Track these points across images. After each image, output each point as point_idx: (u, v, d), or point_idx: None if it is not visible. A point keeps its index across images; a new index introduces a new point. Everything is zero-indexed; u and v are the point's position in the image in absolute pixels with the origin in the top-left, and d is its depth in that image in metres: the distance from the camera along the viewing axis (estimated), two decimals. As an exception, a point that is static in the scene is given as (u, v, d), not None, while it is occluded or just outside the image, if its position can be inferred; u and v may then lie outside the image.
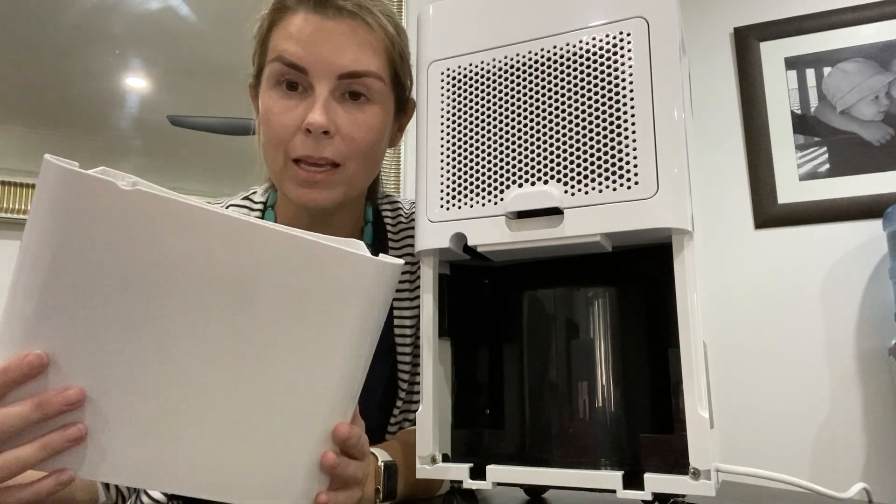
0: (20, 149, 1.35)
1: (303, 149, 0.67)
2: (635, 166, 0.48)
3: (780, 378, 1.84)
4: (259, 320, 0.44)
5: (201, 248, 0.43)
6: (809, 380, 1.81)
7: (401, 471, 0.63)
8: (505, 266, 0.59)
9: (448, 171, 0.55)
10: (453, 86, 0.56)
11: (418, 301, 0.76)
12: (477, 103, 0.55)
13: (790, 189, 1.90)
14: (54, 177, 0.41)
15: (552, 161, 0.51)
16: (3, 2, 1.36)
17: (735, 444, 1.82)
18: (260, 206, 0.81)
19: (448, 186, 0.54)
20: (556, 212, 0.50)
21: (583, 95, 0.51)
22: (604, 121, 0.50)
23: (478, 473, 0.52)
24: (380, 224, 0.84)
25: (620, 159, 0.49)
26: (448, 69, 0.56)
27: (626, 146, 0.49)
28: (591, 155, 0.50)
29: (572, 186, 0.50)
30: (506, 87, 0.54)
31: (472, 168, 0.54)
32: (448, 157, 0.55)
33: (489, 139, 0.53)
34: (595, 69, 0.51)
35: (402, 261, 0.47)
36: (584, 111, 0.50)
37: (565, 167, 0.50)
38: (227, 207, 0.81)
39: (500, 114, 0.53)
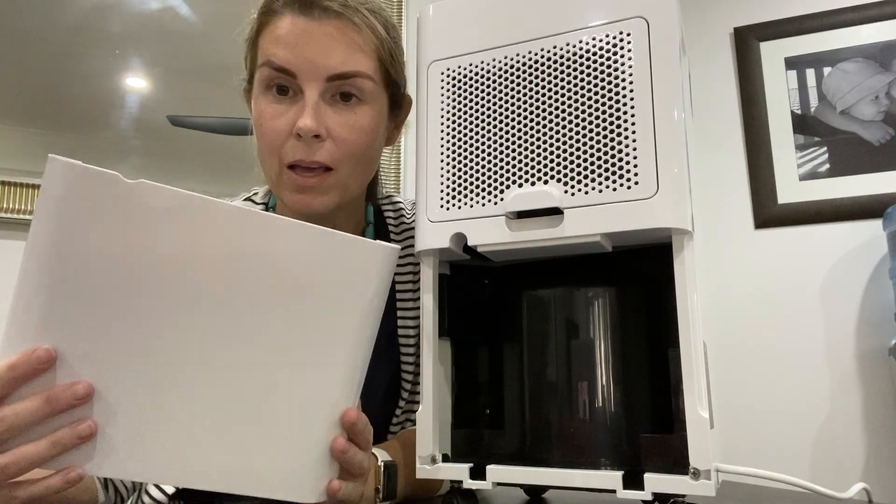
0: (20, 149, 1.35)
1: (295, 153, 0.67)
2: (635, 166, 0.48)
3: (780, 378, 1.84)
4: (265, 309, 0.45)
5: (206, 240, 0.43)
6: (809, 380, 1.81)
7: (401, 471, 0.63)
8: (505, 266, 0.59)
9: (448, 171, 0.55)
10: (453, 86, 0.56)
11: (420, 301, 0.76)
12: (477, 103, 0.55)
13: (790, 189, 1.90)
14: (59, 173, 0.41)
15: (552, 161, 0.51)
16: (3, 2, 1.36)
17: (735, 444, 1.82)
18: (261, 207, 0.81)
19: (448, 186, 0.54)
20: (556, 212, 0.50)
21: (583, 95, 0.51)
22: (604, 121, 0.50)
23: (478, 473, 0.52)
24: (381, 224, 0.84)
25: (620, 159, 0.49)
26: (448, 69, 0.56)
27: (626, 146, 0.49)
28: (591, 155, 0.50)
29: (572, 186, 0.50)
30: (506, 87, 0.54)
31: (472, 168, 0.54)
32: (448, 157, 0.55)
33: (489, 139, 0.53)
34: (595, 69, 0.51)
35: (398, 246, 0.49)
36: (584, 111, 0.50)
37: (565, 167, 0.50)
38: (227, 207, 0.81)
39: (500, 114, 0.53)
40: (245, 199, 0.83)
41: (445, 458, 0.55)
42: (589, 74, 0.51)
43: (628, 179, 0.48)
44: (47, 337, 0.42)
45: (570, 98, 0.51)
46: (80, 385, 0.42)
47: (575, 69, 0.51)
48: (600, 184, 0.49)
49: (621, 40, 0.50)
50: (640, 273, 0.54)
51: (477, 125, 0.54)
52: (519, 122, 0.52)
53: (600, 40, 0.51)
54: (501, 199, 0.52)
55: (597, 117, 0.50)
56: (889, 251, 1.64)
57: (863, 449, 1.74)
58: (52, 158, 0.41)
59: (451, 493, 0.54)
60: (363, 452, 0.50)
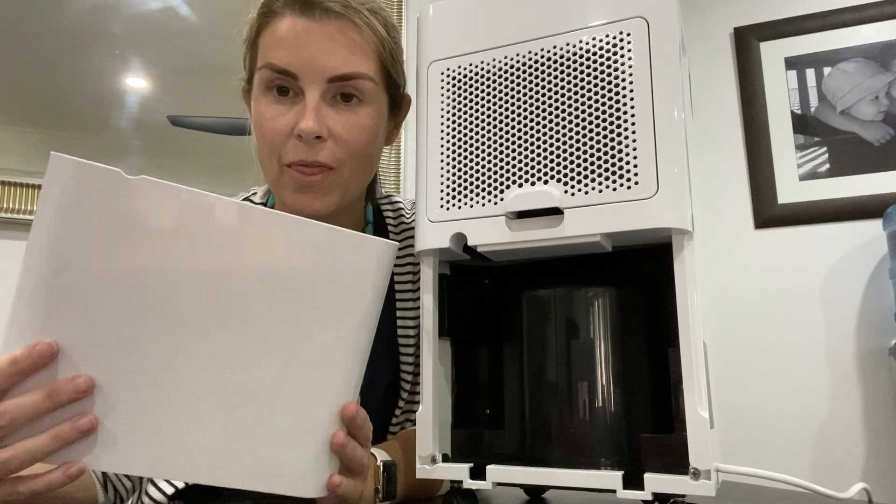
0: (20, 149, 1.35)
1: (296, 154, 0.67)
2: (635, 166, 0.48)
3: (780, 378, 1.84)
4: (265, 303, 0.45)
5: (207, 235, 0.44)
6: (809, 380, 1.81)
7: (400, 471, 0.63)
8: (505, 266, 0.59)
9: (448, 171, 0.55)
10: (453, 86, 0.56)
11: (420, 301, 0.76)
12: (477, 103, 0.55)
13: (790, 189, 1.90)
14: (61, 169, 0.41)
15: (552, 161, 0.51)
16: (3, 2, 1.36)
17: (735, 444, 1.82)
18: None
19: (448, 186, 0.54)
20: (556, 212, 0.50)
21: (583, 95, 0.51)
22: (604, 121, 0.50)
23: (478, 473, 0.52)
24: (381, 224, 0.84)
25: (620, 159, 0.49)
26: (448, 69, 0.56)
27: (626, 146, 0.49)
28: (591, 155, 0.50)
29: (572, 186, 0.50)
30: (506, 87, 0.54)
31: (472, 168, 0.54)
32: (448, 157, 0.55)
33: (489, 139, 0.53)
34: (595, 69, 0.51)
35: (396, 243, 0.49)
36: (584, 111, 0.50)
37: (565, 167, 0.50)
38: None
39: (500, 114, 0.53)
40: (244, 199, 0.83)
41: (445, 458, 0.55)
42: (589, 74, 0.51)
43: (628, 179, 0.48)
44: (49, 331, 0.42)
45: (570, 98, 0.51)
46: (81, 379, 0.42)
47: (575, 69, 0.51)
48: (600, 184, 0.49)
49: (621, 40, 0.50)
50: (640, 273, 0.54)
51: (477, 125, 0.54)
52: (519, 122, 0.52)
53: (600, 40, 0.51)
54: (501, 199, 0.52)
55: (597, 117, 0.50)
56: (889, 251, 1.64)
57: (863, 449, 1.74)
58: (54, 155, 0.41)
59: (451, 493, 0.54)
60: (363, 449, 0.50)
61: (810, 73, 1.94)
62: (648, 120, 0.48)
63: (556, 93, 0.52)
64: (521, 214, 0.51)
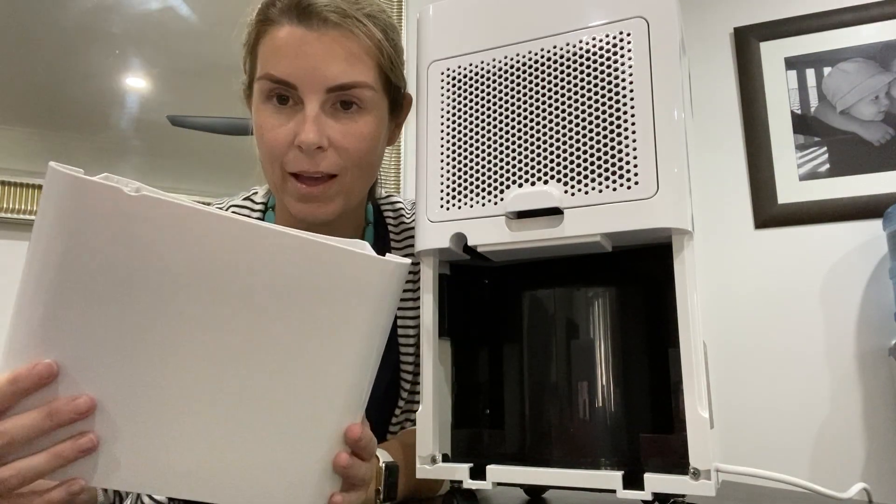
0: (20, 149, 1.35)
1: (298, 164, 0.67)
2: (635, 166, 0.48)
3: (780, 378, 1.84)
4: (268, 323, 0.44)
5: (209, 253, 0.43)
6: (809, 380, 1.81)
7: (401, 471, 0.63)
8: (505, 266, 0.59)
9: (448, 171, 0.55)
10: (453, 86, 0.56)
11: (420, 301, 0.76)
12: (477, 103, 0.55)
13: (790, 189, 1.90)
14: (59, 184, 0.40)
15: (552, 161, 0.51)
16: (3, 2, 1.36)
17: (735, 444, 1.82)
18: (261, 207, 0.81)
19: (448, 186, 0.54)
20: (556, 212, 0.50)
21: (583, 95, 0.51)
22: (604, 121, 0.50)
23: (478, 473, 0.52)
24: (381, 224, 0.84)
25: (620, 159, 0.49)
26: (448, 69, 0.56)
27: (626, 146, 0.49)
28: (591, 155, 0.50)
29: (572, 186, 0.50)
30: (506, 87, 0.54)
31: (472, 168, 0.54)
32: (448, 157, 0.55)
33: (489, 139, 0.53)
34: (595, 69, 0.51)
35: (408, 260, 0.47)
36: (584, 111, 0.50)
37: (565, 167, 0.50)
38: (227, 208, 0.81)
39: (500, 114, 0.53)
40: (245, 199, 0.83)
41: (445, 458, 0.55)
42: (589, 74, 0.51)
43: (628, 179, 0.48)
44: (49, 350, 0.42)
45: (570, 98, 0.51)
46: (82, 399, 0.42)
47: (575, 69, 0.51)
48: (600, 184, 0.49)
49: (621, 40, 0.50)
50: (640, 273, 0.54)
51: (477, 125, 0.54)
52: (519, 122, 0.52)
53: (600, 40, 0.51)
54: (501, 199, 0.52)
55: (597, 117, 0.50)
56: (889, 251, 1.64)
57: (863, 449, 1.74)
58: (52, 169, 0.40)
59: (451, 493, 0.54)
60: (366, 464, 0.49)
61: (810, 73, 1.94)
62: (648, 120, 0.48)
63: (556, 93, 0.52)
64: (521, 214, 0.51)
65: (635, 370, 0.52)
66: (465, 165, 0.54)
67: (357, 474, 0.48)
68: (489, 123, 0.54)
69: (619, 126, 0.49)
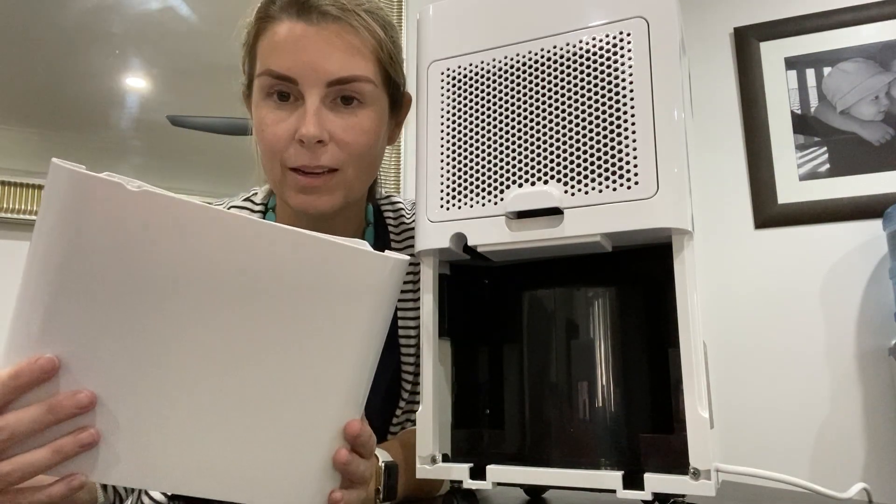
0: (20, 149, 1.35)
1: (298, 159, 0.67)
2: (635, 166, 0.48)
3: (780, 378, 1.84)
4: (269, 320, 0.44)
5: (210, 249, 0.43)
6: (809, 380, 1.81)
7: (401, 471, 0.63)
8: (505, 266, 0.59)
9: (448, 171, 0.55)
10: (453, 86, 0.56)
11: (421, 301, 0.76)
12: (477, 103, 0.55)
13: (790, 189, 1.90)
14: (62, 180, 0.41)
15: (552, 161, 0.51)
16: (3, 2, 1.36)
17: (735, 444, 1.82)
18: (261, 208, 0.81)
19: (448, 186, 0.54)
20: (556, 212, 0.50)
21: (583, 95, 0.51)
22: (604, 121, 0.50)
23: (478, 473, 0.52)
24: (381, 224, 0.84)
25: (620, 159, 0.49)
26: (448, 69, 0.56)
27: (626, 146, 0.49)
28: (591, 155, 0.50)
29: (572, 186, 0.50)
30: (506, 87, 0.54)
31: (472, 168, 0.54)
32: (448, 157, 0.55)
33: (489, 139, 0.53)
34: (595, 69, 0.51)
35: (407, 257, 0.47)
36: (584, 111, 0.50)
37: (565, 167, 0.50)
38: (227, 209, 0.81)
39: (500, 114, 0.53)
40: (244, 200, 0.83)
41: (445, 458, 0.55)
42: (589, 74, 0.51)
43: (628, 179, 0.48)
44: (50, 345, 0.42)
45: (570, 98, 0.51)
46: (83, 394, 0.42)
47: (575, 69, 0.51)
48: (600, 184, 0.49)
49: (621, 40, 0.50)
50: (640, 273, 0.54)
51: (477, 125, 0.54)
52: (519, 122, 0.52)
53: (600, 40, 0.51)
54: (501, 199, 0.52)
55: (597, 117, 0.50)
56: (889, 251, 1.64)
57: (863, 449, 1.74)
58: (55, 164, 0.41)
59: (451, 493, 0.54)
60: (366, 462, 0.49)
61: (810, 73, 1.94)
62: (648, 120, 0.48)
63: (556, 93, 0.52)
64: (521, 214, 0.51)
65: (635, 370, 0.52)
66: (465, 165, 0.54)
67: (356, 471, 0.48)
68: (489, 123, 0.54)
69: (619, 126, 0.49)
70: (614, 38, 0.51)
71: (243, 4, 0.72)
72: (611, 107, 0.50)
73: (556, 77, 0.52)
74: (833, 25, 1.93)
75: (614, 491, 0.47)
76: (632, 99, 0.49)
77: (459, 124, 0.55)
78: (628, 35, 0.50)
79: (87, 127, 1.42)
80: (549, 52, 0.52)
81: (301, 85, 0.66)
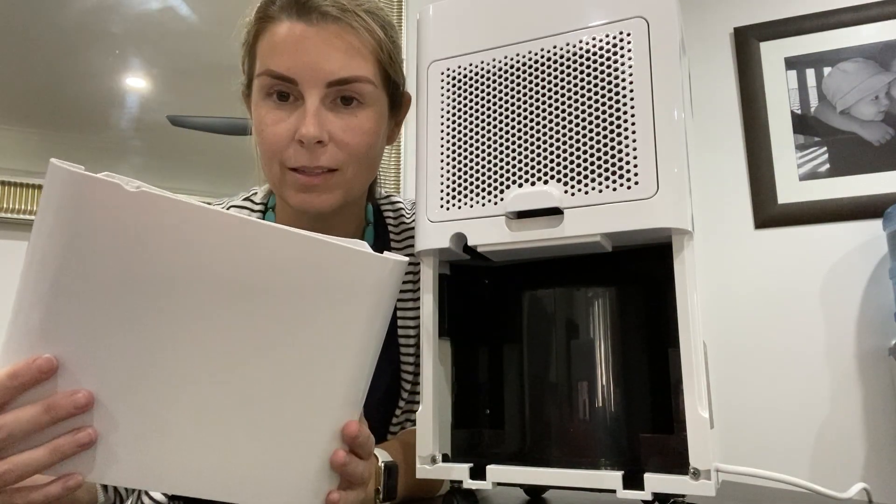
0: (20, 149, 1.35)
1: (298, 159, 0.67)
2: (635, 166, 0.48)
3: (780, 378, 1.84)
4: (267, 321, 0.44)
5: (208, 250, 0.43)
6: (809, 380, 1.81)
7: (401, 471, 0.63)
8: (505, 266, 0.59)
9: (448, 171, 0.55)
10: (453, 86, 0.56)
11: (421, 301, 0.76)
12: (477, 103, 0.55)
13: (790, 189, 1.90)
14: (61, 180, 0.41)
15: (552, 161, 0.51)
16: (3, 2, 1.36)
17: (735, 444, 1.82)
18: (261, 208, 0.81)
19: (448, 186, 0.54)
20: (556, 212, 0.50)
21: (583, 95, 0.51)
22: (604, 121, 0.50)
23: (478, 473, 0.52)
24: (381, 224, 0.84)
25: (620, 159, 0.49)
26: (448, 69, 0.56)
27: (626, 146, 0.49)
28: (591, 155, 0.50)
29: (572, 186, 0.50)
30: (506, 87, 0.54)
31: (472, 168, 0.54)
32: (448, 157, 0.55)
33: (489, 139, 0.53)
34: (595, 69, 0.51)
35: (406, 258, 0.47)
36: (584, 111, 0.50)
37: (565, 167, 0.50)
38: (227, 209, 0.81)
39: (500, 114, 0.53)
40: (244, 199, 0.83)
41: (445, 458, 0.55)
42: (589, 74, 0.51)
43: (628, 179, 0.48)
44: (49, 345, 0.42)
45: (570, 98, 0.51)
46: (81, 394, 0.42)
47: (575, 69, 0.51)
48: (600, 184, 0.49)
49: (621, 40, 0.50)
50: (640, 273, 0.54)
51: (477, 125, 0.54)
52: (519, 122, 0.52)
53: (600, 40, 0.51)
54: (501, 199, 0.52)
55: (597, 117, 0.50)
56: (889, 251, 1.64)
57: (863, 449, 1.74)
58: (53, 165, 0.40)
59: (451, 493, 0.54)
60: (364, 463, 0.49)
61: (810, 73, 1.94)
62: (648, 120, 0.48)
63: (556, 93, 0.52)
64: (521, 214, 0.51)
65: (635, 370, 0.52)
66: (465, 165, 0.54)
67: (355, 472, 0.48)
68: (489, 123, 0.54)
69: (619, 126, 0.49)
70: (614, 38, 0.51)
71: (243, 4, 0.72)
72: (611, 107, 0.50)
73: (556, 77, 0.52)
74: (833, 25, 1.92)
75: (614, 491, 0.47)
76: (632, 99, 0.49)
77: (459, 124, 0.55)
78: (628, 35, 0.50)
79: (87, 127, 1.42)
80: (549, 52, 0.52)
81: (301, 85, 0.66)
